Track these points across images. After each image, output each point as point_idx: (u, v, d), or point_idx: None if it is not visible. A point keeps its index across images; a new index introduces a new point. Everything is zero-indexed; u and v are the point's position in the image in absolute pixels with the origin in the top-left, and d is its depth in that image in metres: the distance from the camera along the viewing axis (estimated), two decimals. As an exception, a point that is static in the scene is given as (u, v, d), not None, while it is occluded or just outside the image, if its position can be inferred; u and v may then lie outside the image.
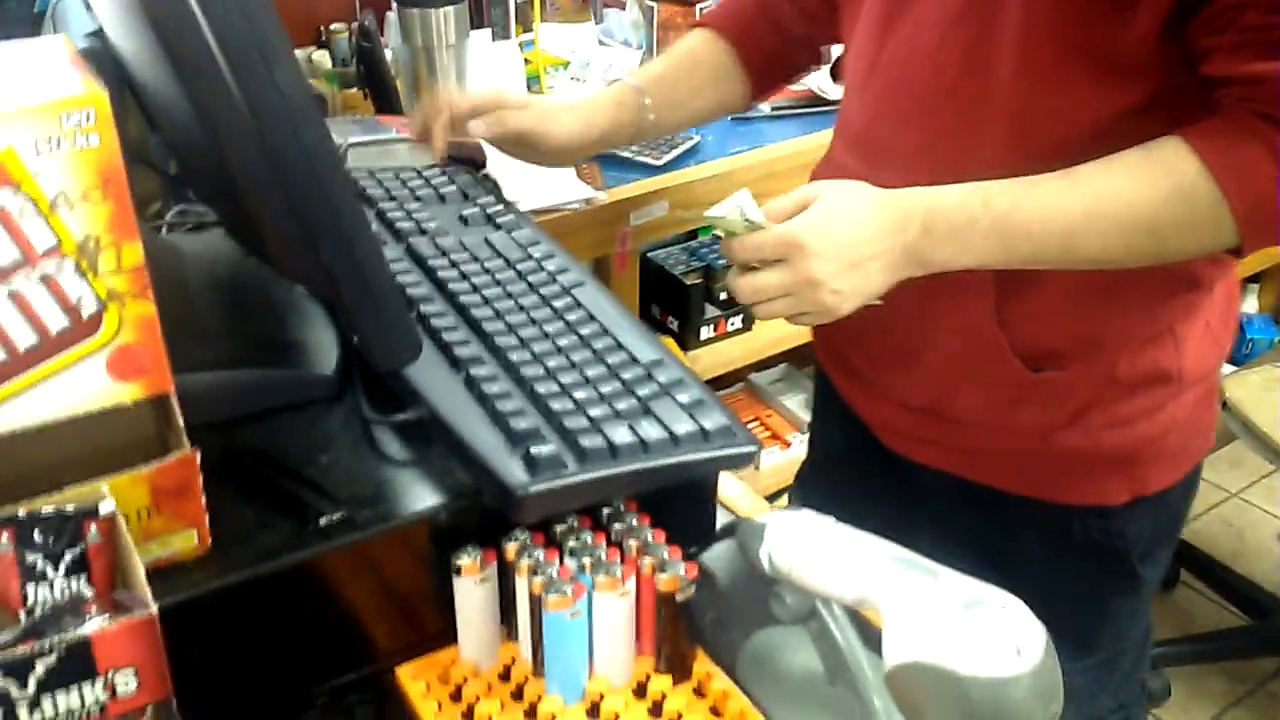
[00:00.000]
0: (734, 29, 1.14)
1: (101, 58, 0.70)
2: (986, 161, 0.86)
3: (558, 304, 0.85)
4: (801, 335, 1.85)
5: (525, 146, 1.10)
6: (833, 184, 0.85)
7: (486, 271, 0.89)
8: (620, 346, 0.80)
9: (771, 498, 1.73)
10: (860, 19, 0.99)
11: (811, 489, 1.31)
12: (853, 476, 1.18)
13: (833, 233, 0.81)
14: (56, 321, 0.58)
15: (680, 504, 0.78)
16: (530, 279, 0.88)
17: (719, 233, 0.87)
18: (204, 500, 0.65)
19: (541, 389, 0.74)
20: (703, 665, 0.72)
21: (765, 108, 1.70)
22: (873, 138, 0.99)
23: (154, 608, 0.52)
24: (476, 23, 1.74)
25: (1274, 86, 0.78)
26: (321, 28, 1.56)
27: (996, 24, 0.87)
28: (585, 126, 1.09)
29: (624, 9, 1.95)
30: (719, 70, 1.15)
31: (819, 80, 1.69)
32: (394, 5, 1.47)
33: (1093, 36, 0.83)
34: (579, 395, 0.74)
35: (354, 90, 1.47)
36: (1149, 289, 0.93)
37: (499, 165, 1.37)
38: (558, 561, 0.70)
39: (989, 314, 0.94)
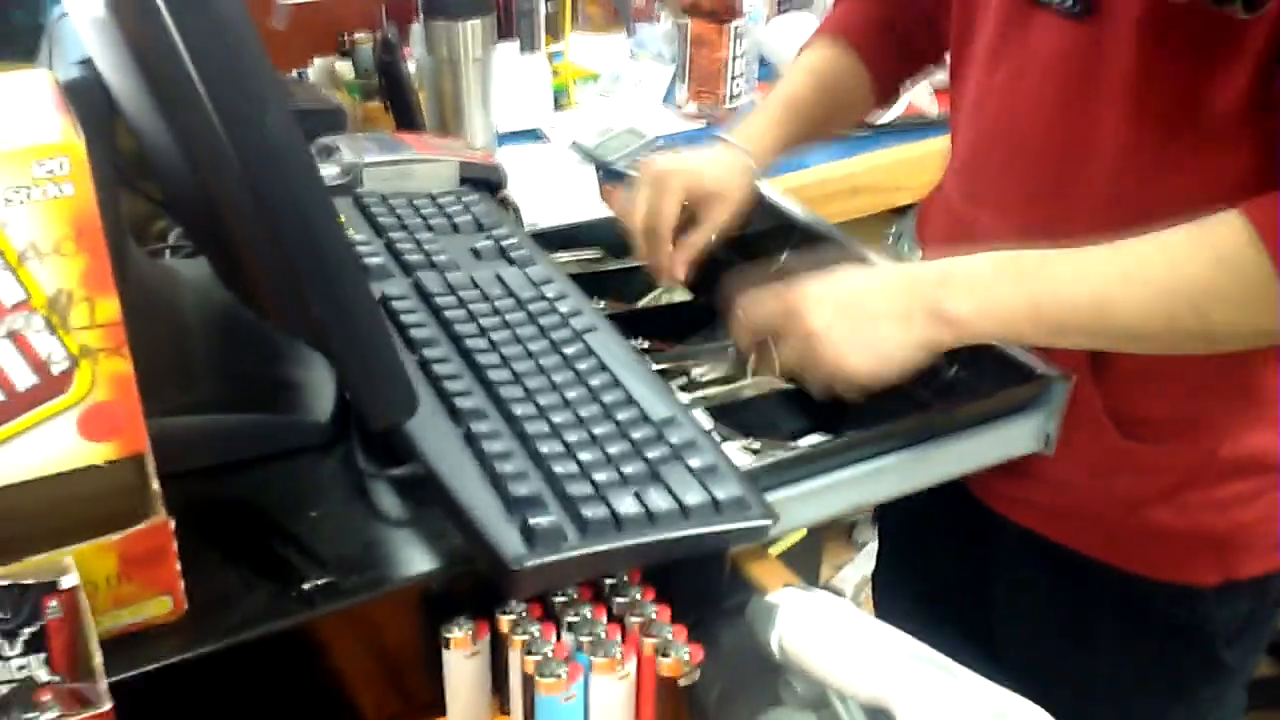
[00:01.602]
0: (858, 36, 1.09)
1: (91, 88, 0.67)
2: (1089, 217, 0.81)
3: (568, 350, 0.81)
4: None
5: None
6: (823, 312, 0.79)
7: (496, 312, 0.85)
8: (631, 401, 0.76)
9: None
10: (971, 47, 0.95)
11: (892, 523, 1.29)
12: (935, 518, 1.13)
13: (835, 284, 0.79)
14: (25, 379, 0.55)
15: (688, 573, 0.74)
16: (541, 321, 0.84)
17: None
18: (178, 566, 0.61)
19: (545, 449, 0.70)
20: (705, 752, 0.68)
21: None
22: (976, 177, 0.95)
23: (108, 704, 0.48)
24: (504, 33, 1.70)
25: None
26: (344, 36, 1.53)
27: (1099, 66, 0.82)
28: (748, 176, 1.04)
29: (656, 21, 1.91)
30: (846, 81, 1.10)
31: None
32: (419, 15, 1.43)
33: (1195, 89, 0.78)
34: (584, 457, 0.70)
35: (375, 103, 1.44)
36: (1256, 365, 0.87)
37: (519, 187, 1.33)
38: (554, 638, 0.66)
39: (1084, 366, 0.89)
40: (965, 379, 0.91)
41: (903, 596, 1.30)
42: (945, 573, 1.19)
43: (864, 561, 2.02)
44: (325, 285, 0.60)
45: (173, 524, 0.60)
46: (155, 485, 0.58)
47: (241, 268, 0.65)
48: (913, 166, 1.59)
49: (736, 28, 1.64)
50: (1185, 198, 0.77)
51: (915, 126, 1.67)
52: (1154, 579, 0.95)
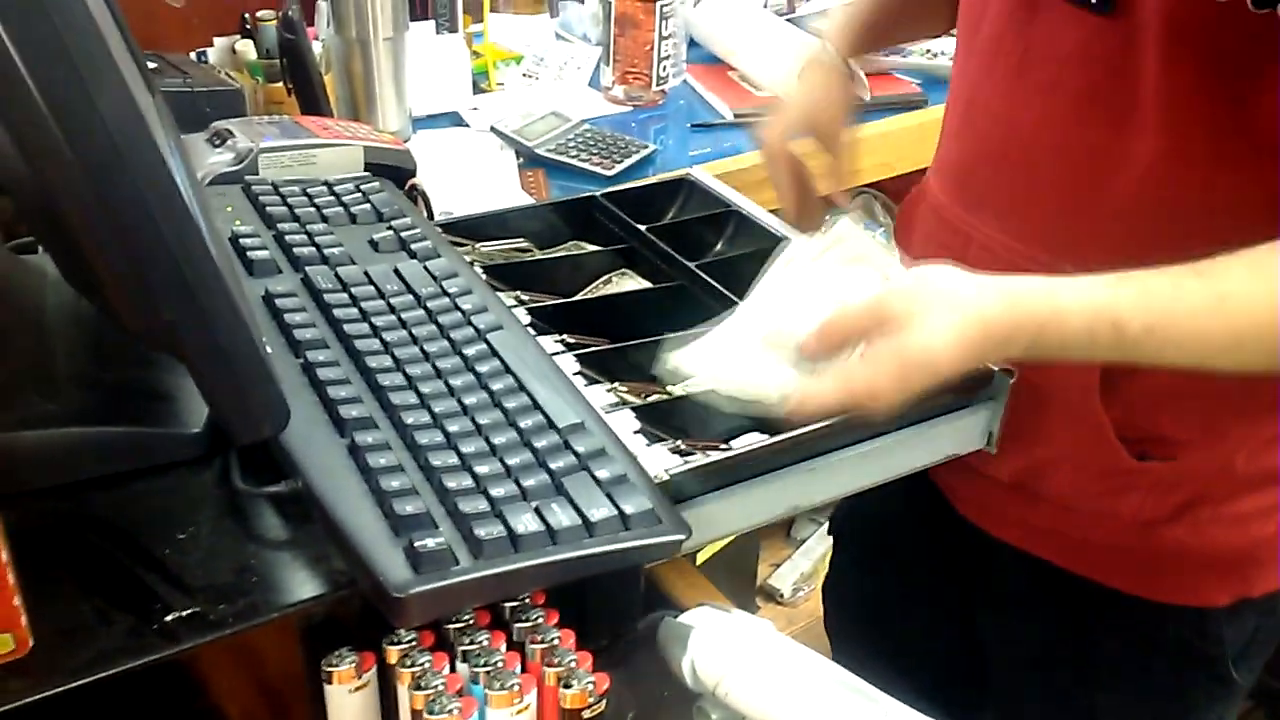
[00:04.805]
0: None
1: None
2: (1108, 233, 0.76)
3: (468, 351, 0.75)
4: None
5: None
6: (918, 301, 0.68)
7: (391, 310, 0.79)
8: (535, 406, 0.70)
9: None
10: (976, 38, 0.86)
11: (854, 535, 1.18)
12: (910, 536, 1.07)
13: (911, 381, 0.67)
14: None
15: (600, 593, 0.68)
16: (441, 319, 0.78)
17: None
18: (18, 600, 0.55)
19: (437, 461, 0.64)
20: (614, 789, 0.63)
21: (727, 114, 1.60)
22: (971, 180, 0.88)
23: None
24: (420, 14, 1.63)
25: None
26: (247, 15, 1.45)
27: (1123, 67, 0.75)
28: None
29: (582, 1, 1.84)
30: None
31: (787, 86, 1.58)
32: (327, -8, 1.35)
33: (1236, 96, 0.71)
34: (480, 470, 0.64)
35: (280, 85, 1.36)
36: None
37: (436, 174, 1.26)
38: (447, 668, 0.60)
39: (1093, 388, 0.83)
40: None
41: (858, 619, 1.21)
42: (921, 597, 1.11)
43: (802, 560, 1.97)
44: (176, 285, 0.53)
45: (6, 554, 0.53)
46: (-19, 514, 0.52)
47: (86, 266, 0.58)
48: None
49: (664, 8, 1.58)
50: (1219, 213, 0.72)
51: (847, 111, 1.62)
52: (1162, 602, 0.90)
